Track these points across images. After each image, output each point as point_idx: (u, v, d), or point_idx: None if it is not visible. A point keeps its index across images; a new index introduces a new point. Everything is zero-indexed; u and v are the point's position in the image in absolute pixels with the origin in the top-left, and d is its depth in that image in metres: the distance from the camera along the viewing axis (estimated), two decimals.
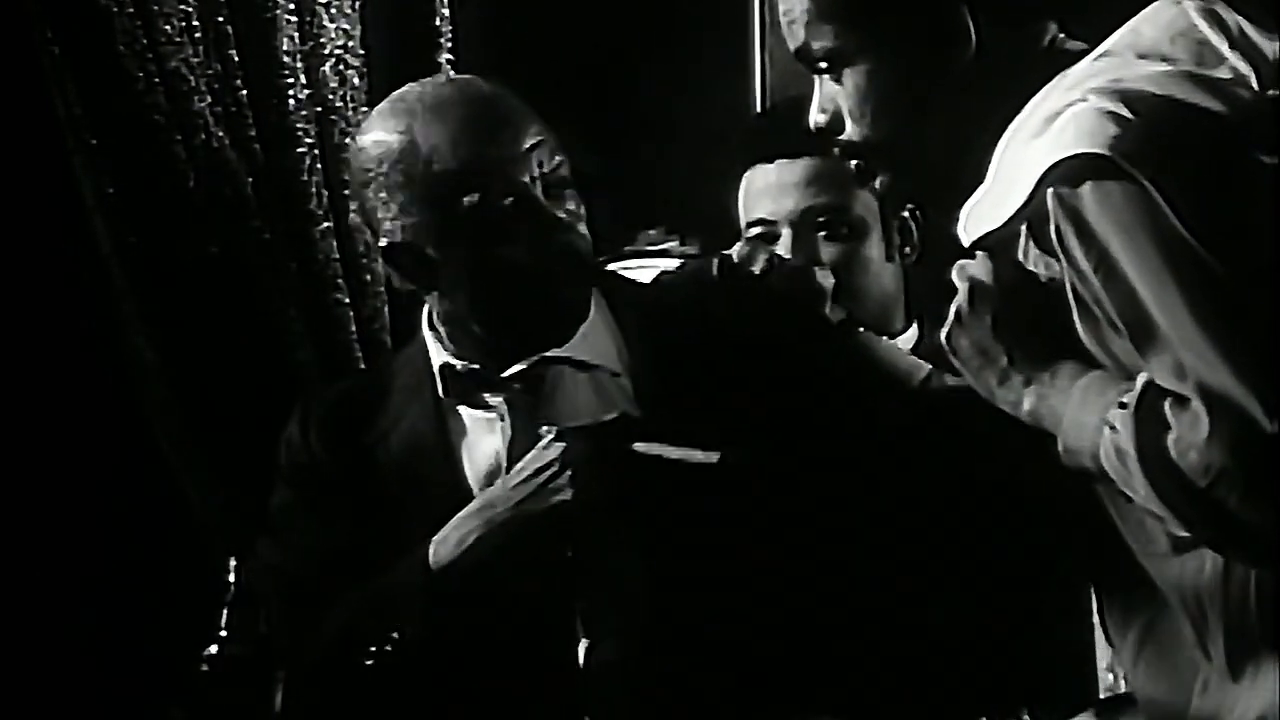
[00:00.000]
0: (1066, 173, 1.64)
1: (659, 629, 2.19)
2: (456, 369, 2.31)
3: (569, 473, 2.17)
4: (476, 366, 2.30)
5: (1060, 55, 1.82)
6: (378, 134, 2.26)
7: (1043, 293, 1.73)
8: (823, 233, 2.56)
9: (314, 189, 3.01)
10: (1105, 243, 1.62)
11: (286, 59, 3.00)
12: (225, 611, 1.99)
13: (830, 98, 1.88)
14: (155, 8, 2.91)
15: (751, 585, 2.20)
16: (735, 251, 2.22)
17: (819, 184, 2.55)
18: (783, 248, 2.52)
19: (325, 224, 3.01)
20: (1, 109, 2.93)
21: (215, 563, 2.05)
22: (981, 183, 1.76)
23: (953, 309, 1.81)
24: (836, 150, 1.90)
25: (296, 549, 2.31)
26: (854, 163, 1.89)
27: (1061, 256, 1.67)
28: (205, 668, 1.98)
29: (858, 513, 2.21)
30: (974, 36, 1.82)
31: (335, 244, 3.02)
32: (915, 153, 1.86)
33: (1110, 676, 2.38)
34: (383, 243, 2.28)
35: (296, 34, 3.02)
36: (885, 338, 2.35)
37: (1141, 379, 1.63)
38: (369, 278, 3.04)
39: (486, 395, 2.30)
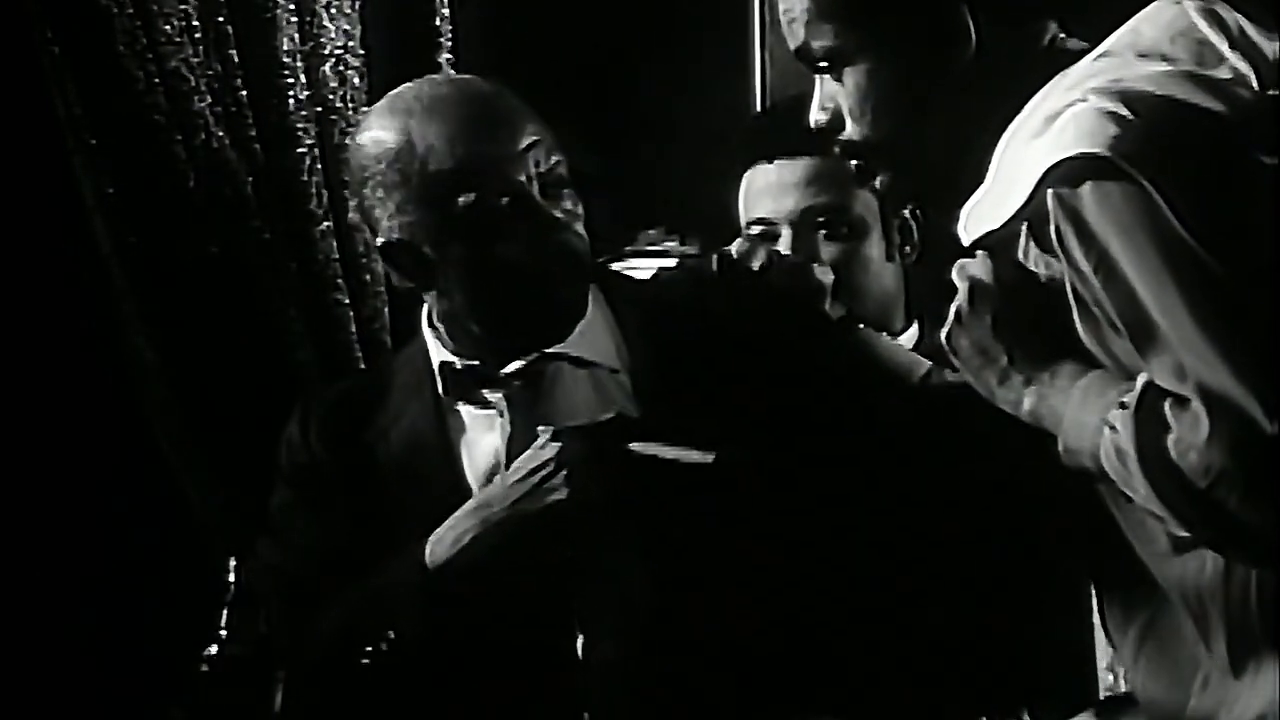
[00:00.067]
0: (1066, 173, 1.64)
1: (658, 628, 2.19)
2: (456, 366, 2.31)
3: (565, 472, 2.17)
4: (476, 364, 2.30)
5: (1060, 54, 1.82)
6: (375, 132, 2.26)
7: (1043, 292, 1.73)
8: (823, 232, 2.56)
9: (314, 189, 3.01)
10: (1105, 243, 1.62)
11: (286, 59, 3.00)
12: (225, 611, 1.99)
13: (830, 97, 1.88)
14: (155, 8, 2.91)
15: (750, 584, 2.20)
16: (734, 248, 2.22)
17: (819, 183, 2.55)
18: (783, 247, 2.52)
19: (325, 224, 3.01)
20: (1, 109, 2.93)
21: (215, 563, 2.05)
22: (981, 182, 1.76)
23: (953, 309, 1.81)
24: (837, 149, 1.90)
25: (296, 549, 2.32)
26: (854, 162, 1.89)
27: (1061, 257, 1.67)
28: (205, 668, 1.98)
29: (857, 510, 2.21)
30: (974, 35, 1.82)
31: (335, 244, 3.02)
32: (915, 152, 1.86)
33: (1110, 676, 2.38)
34: (380, 241, 2.29)
35: (296, 34, 3.02)
36: (885, 334, 2.36)
37: (1141, 379, 1.63)
38: (369, 278, 3.04)
39: (485, 392, 2.30)
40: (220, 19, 2.97)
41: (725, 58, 3.37)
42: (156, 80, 2.91)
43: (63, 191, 2.94)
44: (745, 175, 2.61)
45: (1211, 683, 1.74)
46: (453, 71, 3.03)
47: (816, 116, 1.90)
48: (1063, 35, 1.86)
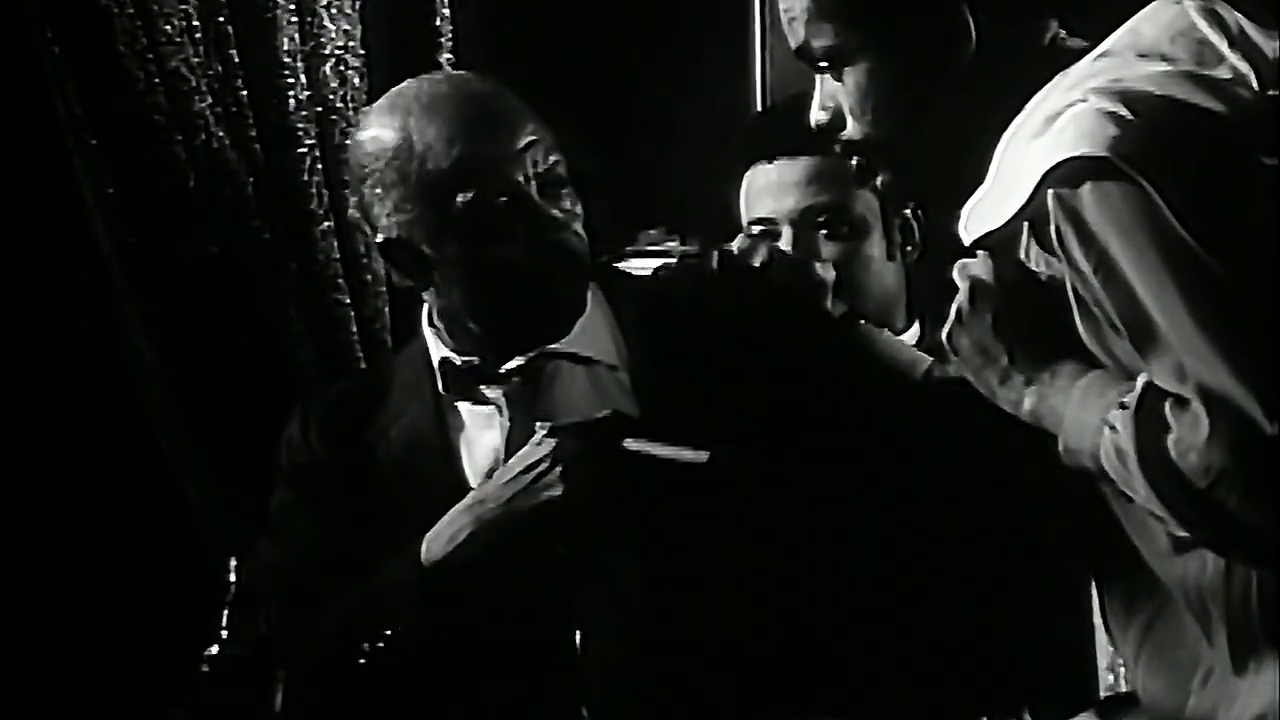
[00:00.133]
0: (1066, 174, 1.64)
1: (655, 626, 2.19)
2: (456, 364, 2.31)
3: (560, 469, 2.17)
4: (476, 361, 2.30)
5: (1061, 53, 1.81)
6: (374, 130, 2.27)
7: (1044, 292, 1.73)
8: (823, 231, 2.56)
9: (314, 189, 3.01)
10: (1105, 244, 1.62)
11: (287, 59, 3.00)
12: (225, 611, 1.98)
13: (831, 95, 1.88)
14: (155, 8, 2.91)
15: (749, 583, 2.20)
16: (735, 245, 2.22)
17: (819, 183, 2.55)
18: (783, 246, 2.52)
19: (325, 224, 3.01)
20: (1, 109, 2.93)
21: (215, 563, 2.05)
22: (982, 181, 1.76)
23: (953, 308, 1.81)
24: (837, 148, 1.90)
25: (296, 549, 2.32)
26: (855, 160, 1.89)
27: (1062, 257, 1.67)
28: (205, 668, 1.98)
29: (857, 509, 2.20)
30: (974, 34, 1.82)
31: (335, 244, 3.02)
32: (916, 151, 1.86)
33: (1110, 676, 2.38)
34: (379, 239, 2.29)
35: (297, 34, 3.02)
36: (886, 331, 2.36)
37: (1141, 379, 1.63)
38: (369, 278, 3.04)
39: (485, 389, 2.30)
40: (220, 19, 2.97)
41: (725, 58, 3.37)
42: (156, 80, 2.91)
43: (63, 191, 2.94)
44: (746, 175, 2.61)
45: (1212, 679, 1.74)
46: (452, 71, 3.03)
47: (817, 115, 1.90)
48: (1063, 34, 1.86)
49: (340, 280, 3.02)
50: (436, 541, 2.21)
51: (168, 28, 2.91)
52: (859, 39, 1.84)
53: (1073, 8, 1.87)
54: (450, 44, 3.11)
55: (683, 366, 2.24)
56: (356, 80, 3.06)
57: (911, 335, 2.59)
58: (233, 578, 2.00)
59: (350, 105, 3.03)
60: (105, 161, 2.91)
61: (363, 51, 3.07)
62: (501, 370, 2.29)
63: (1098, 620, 2.26)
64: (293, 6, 3.01)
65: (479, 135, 2.22)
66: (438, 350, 2.33)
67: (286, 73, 3.00)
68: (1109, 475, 1.65)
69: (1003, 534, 2.19)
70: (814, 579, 2.22)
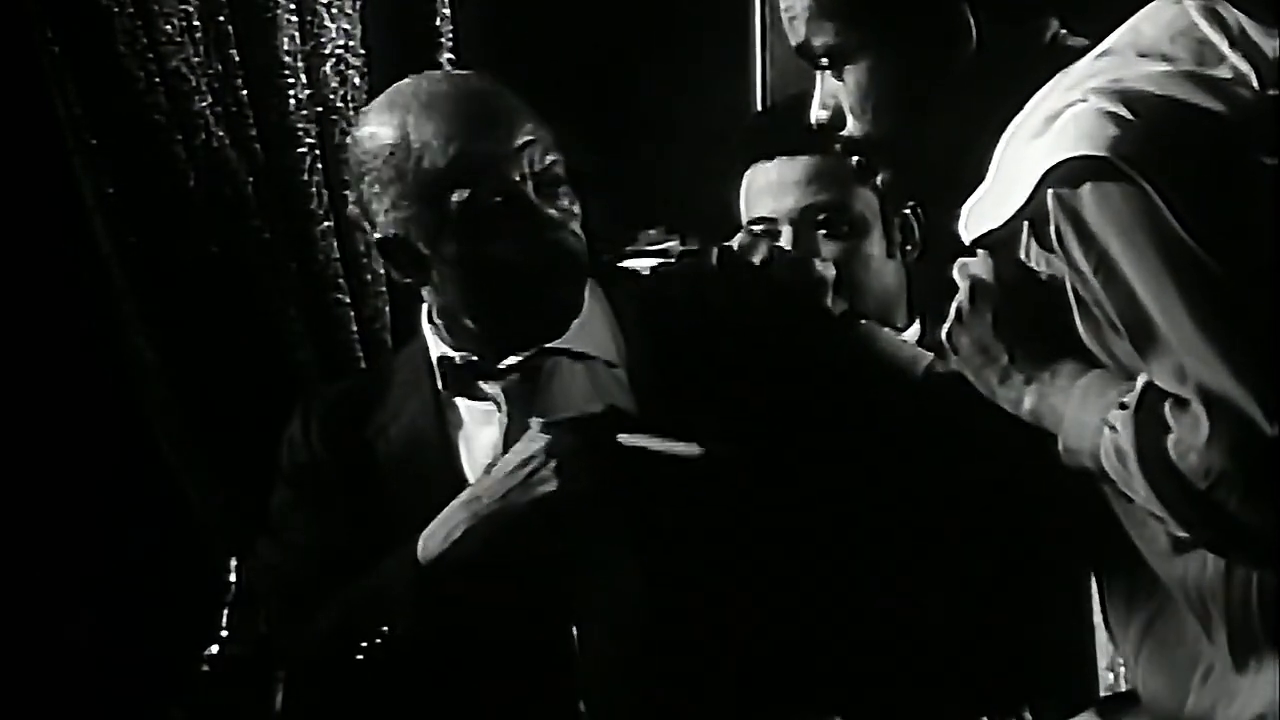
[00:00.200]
0: (1066, 174, 1.64)
1: (653, 621, 2.19)
2: (455, 361, 2.31)
3: (555, 464, 2.17)
4: (475, 358, 2.30)
5: (1062, 52, 1.81)
6: (373, 127, 2.27)
7: (1044, 291, 1.73)
8: (823, 230, 2.56)
9: (314, 188, 3.01)
10: (1105, 244, 1.62)
11: (287, 59, 3.00)
12: (225, 611, 1.98)
13: (832, 94, 1.88)
14: (155, 8, 2.91)
15: (747, 580, 2.20)
16: (735, 242, 2.22)
17: (819, 182, 2.55)
18: (784, 245, 2.52)
19: (325, 224, 3.01)
20: (1, 109, 2.93)
21: (215, 563, 2.05)
22: (982, 180, 1.76)
23: (953, 307, 1.81)
24: (838, 146, 1.90)
25: (296, 548, 2.32)
26: (855, 159, 1.89)
27: (1062, 257, 1.67)
28: (205, 668, 1.97)
29: (858, 506, 2.20)
30: (975, 33, 1.81)
31: (335, 244, 3.02)
32: (916, 149, 1.86)
33: (1110, 676, 2.38)
34: (376, 236, 2.30)
35: (297, 34, 3.02)
36: (887, 329, 2.36)
37: (1141, 379, 1.63)
38: (369, 277, 3.04)
39: (484, 386, 2.30)
40: (221, 19, 2.97)
41: (725, 57, 3.37)
42: (156, 80, 2.91)
43: (63, 191, 2.94)
44: (746, 174, 2.61)
45: (1213, 676, 1.74)
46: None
47: (818, 114, 1.90)
48: (1064, 32, 1.86)
49: (340, 280, 3.02)
50: (433, 539, 2.21)
51: (168, 27, 2.92)
52: (859, 37, 1.84)
53: (1073, 6, 1.87)
54: (450, 44, 3.11)
55: (682, 364, 2.24)
56: (356, 80, 3.06)
57: (912, 334, 2.59)
58: (233, 578, 2.00)
59: (350, 105, 3.03)
60: (105, 161, 2.92)
61: (363, 51, 3.07)
62: (500, 367, 2.29)
63: (1098, 620, 2.26)
64: (293, 6, 3.01)
65: (476, 134, 2.22)
66: (437, 348, 2.33)
67: (286, 72, 3.00)
68: (1109, 475, 1.65)
69: (1003, 533, 2.19)
70: (813, 577, 2.22)
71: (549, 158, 2.25)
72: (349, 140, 2.37)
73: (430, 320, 2.35)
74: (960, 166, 1.79)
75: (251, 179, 2.98)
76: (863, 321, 2.26)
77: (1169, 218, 1.59)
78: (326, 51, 3.04)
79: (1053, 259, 1.70)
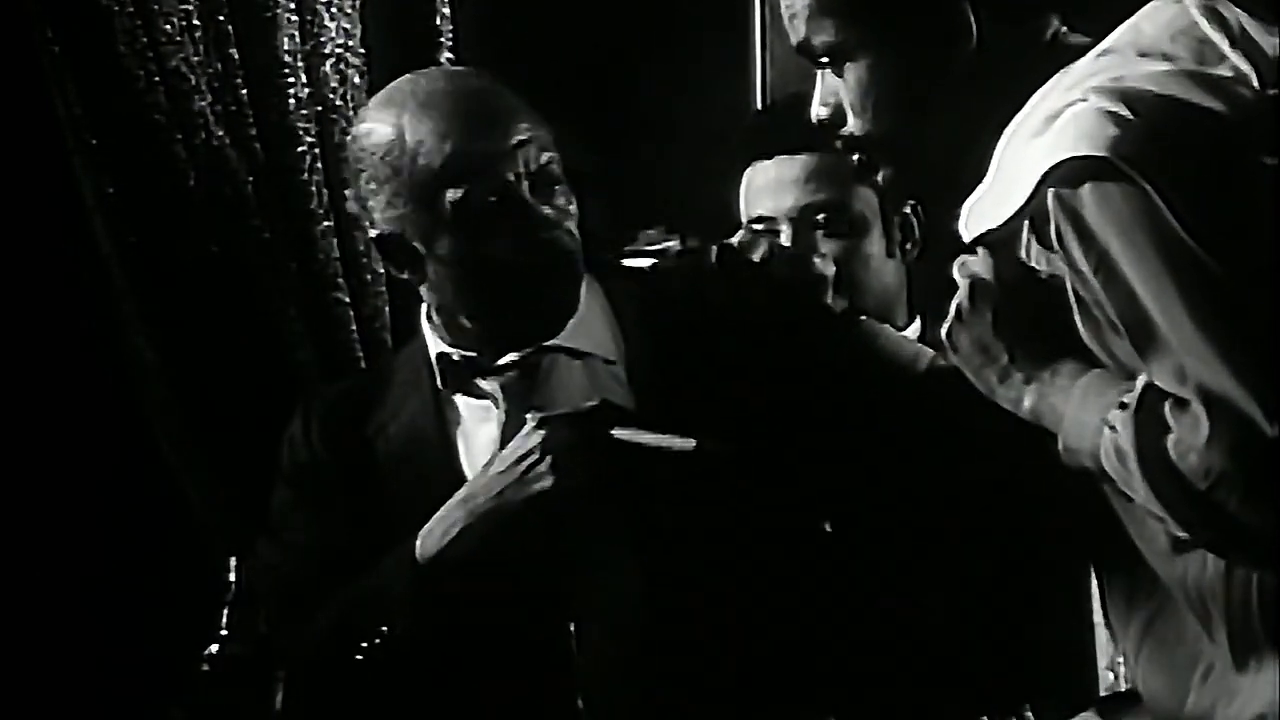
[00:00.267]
0: (1066, 174, 1.63)
1: (651, 618, 2.18)
2: (453, 358, 2.31)
3: (550, 460, 2.17)
4: (474, 355, 2.30)
5: (1062, 50, 1.81)
6: (370, 124, 2.28)
7: (1044, 290, 1.73)
8: (823, 229, 2.56)
9: (314, 188, 3.01)
10: (1105, 244, 1.62)
11: (287, 58, 3.00)
12: (225, 611, 1.98)
13: (832, 91, 1.88)
14: (155, 7, 2.91)
15: (746, 579, 2.19)
16: (735, 240, 2.22)
17: (818, 181, 2.55)
18: (783, 244, 2.52)
19: (325, 223, 3.02)
20: (1, 109, 2.93)
21: (215, 563, 2.05)
22: (983, 178, 1.76)
23: (953, 306, 1.81)
24: (838, 144, 1.90)
25: (296, 548, 2.32)
26: (856, 157, 1.89)
27: (1062, 257, 1.67)
28: (205, 668, 1.97)
29: (857, 505, 2.20)
30: (975, 31, 1.81)
31: (335, 243, 3.02)
32: (917, 147, 1.86)
33: (1110, 675, 2.38)
34: (373, 233, 2.30)
35: (297, 33, 3.02)
36: (888, 327, 2.35)
37: (1141, 379, 1.63)
38: (369, 277, 3.04)
39: (482, 383, 2.30)
40: (220, 18, 2.97)
41: (725, 56, 3.37)
42: (156, 79, 2.91)
43: (63, 191, 2.94)
44: (745, 173, 2.62)
45: (1213, 675, 1.74)
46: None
47: (818, 111, 1.89)
48: (1065, 30, 1.85)
49: (340, 280, 3.02)
50: (430, 537, 2.21)
51: (167, 27, 2.92)
52: (860, 35, 1.83)
53: (1074, 5, 1.86)
54: (450, 43, 3.11)
55: (681, 361, 2.24)
56: (356, 79, 3.06)
57: (912, 332, 2.59)
58: (233, 577, 2.00)
59: (350, 104, 3.03)
60: (105, 161, 2.92)
61: (362, 50, 3.07)
62: (498, 364, 2.29)
63: (1098, 620, 2.26)
64: (292, 5, 3.01)
65: (471, 132, 2.22)
66: (435, 345, 2.33)
67: (286, 72, 3.00)
68: (1109, 475, 1.65)
69: (1002, 533, 2.19)
70: (812, 576, 2.22)
71: (545, 156, 2.24)
72: (348, 137, 2.37)
73: (429, 318, 2.36)
74: (961, 164, 1.78)
75: (251, 178, 2.98)
76: (863, 319, 2.26)
77: (1169, 218, 1.59)
78: (326, 51, 3.04)
79: (1053, 258, 1.70)
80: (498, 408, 2.29)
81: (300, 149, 3.00)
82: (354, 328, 3.03)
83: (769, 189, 2.58)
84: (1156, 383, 1.61)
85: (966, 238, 1.78)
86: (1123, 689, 2.18)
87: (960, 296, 1.80)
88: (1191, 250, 1.58)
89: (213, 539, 2.94)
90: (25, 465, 2.95)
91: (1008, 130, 1.74)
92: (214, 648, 1.98)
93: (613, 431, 2.16)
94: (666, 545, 2.19)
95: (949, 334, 1.81)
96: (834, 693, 2.22)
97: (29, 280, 2.97)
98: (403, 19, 3.11)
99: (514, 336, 2.28)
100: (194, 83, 2.94)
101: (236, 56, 2.98)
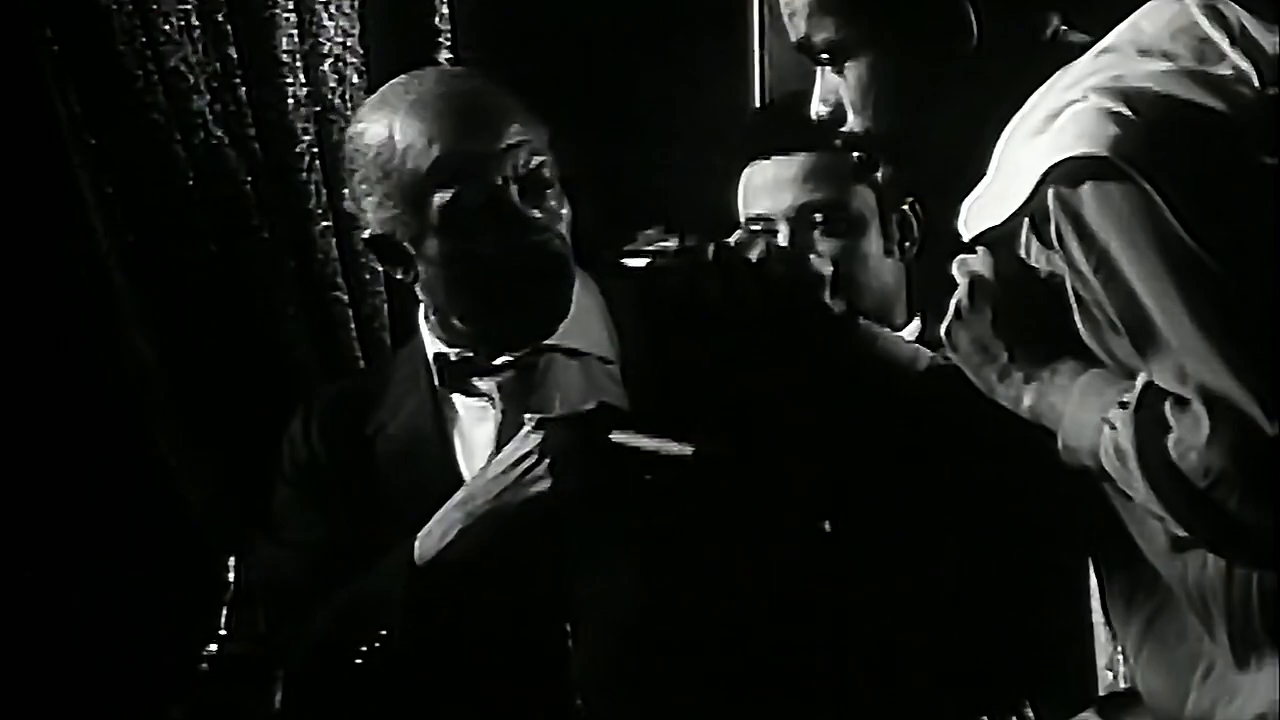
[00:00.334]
0: (1067, 173, 1.63)
1: (648, 620, 2.18)
2: (450, 358, 2.31)
3: (548, 462, 2.17)
4: (471, 354, 2.30)
5: (1063, 48, 1.81)
6: (363, 125, 2.28)
7: (1044, 289, 1.73)
8: (820, 228, 2.56)
9: (313, 187, 3.01)
10: (1105, 244, 1.62)
11: (286, 58, 3.00)
12: (225, 611, 1.98)
13: (832, 89, 1.87)
14: (155, 7, 2.91)
15: (744, 579, 2.19)
16: (732, 239, 2.22)
17: (816, 179, 2.55)
18: (781, 243, 2.52)
19: (324, 223, 3.02)
20: (1, 109, 2.93)
21: (215, 563, 2.05)
22: (983, 176, 1.76)
23: (953, 304, 1.81)
24: (838, 142, 1.89)
25: (296, 547, 2.32)
26: (855, 154, 1.89)
27: (1062, 256, 1.67)
28: (205, 667, 1.98)
29: (856, 504, 2.20)
30: (975, 29, 1.81)
31: (334, 243, 3.02)
32: (917, 145, 1.85)
33: (1110, 675, 2.38)
34: (365, 234, 2.30)
35: (296, 33, 3.02)
36: (886, 329, 2.35)
37: (1141, 379, 1.63)
38: (367, 276, 3.04)
39: (479, 383, 2.30)
40: (219, 17, 2.97)
41: (724, 55, 3.37)
42: (156, 79, 2.91)
43: (63, 191, 2.94)
44: (744, 172, 2.61)
45: (1213, 674, 1.74)
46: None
47: (818, 109, 1.89)
48: (1065, 29, 1.85)
49: (340, 279, 3.02)
50: (428, 539, 2.21)
51: (167, 26, 2.92)
52: (860, 33, 1.83)
53: (1074, 3, 1.86)
54: (449, 43, 3.11)
55: (677, 360, 2.24)
56: (355, 78, 3.06)
57: (911, 331, 2.59)
58: (232, 577, 2.00)
59: (349, 103, 3.03)
60: (104, 160, 2.92)
61: (361, 50, 3.07)
62: (495, 363, 2.29)
63: (1098, 619, 2.26)
64: (291, 5, 3.01)
65: (461, 135, 2.22)
66: (433, 345, 2.34)
67: (285, 71, 3.00)
68: (1108, 474, 1.65)
69: (1002, 531, 2.19)
70: (811, 576, 2.22)
71: (536, 159, 2.24)
72: (345, 136, 2.37)
73: (426, 318, 2.36)
74: (961, 162, 1.78)
75: (250, 178, 2.98)
76: (861, 321, 2.26)
77: (1169, 217, 1.59)
78: (325, 50, 3.04)
79: (1053, 257, 1.70)
80: (494, 407, 2.29)
81: (299, 148, 3.00)
82: (353, 327, 3.03)
83: (767, 188, 2.58)
84: (1157, 382, 1.61)
85: (966, 236, 1.78)
86: (1123, 688, 2.18)
87: (960, 295, 1.80)
88: (1191, 250, 1.58)
89: (213, 539, 2.93)
90: (25, 465, 2.95)
91: (1008, 128, 1.74)
92: (213, 647, 1.98)
93: (611, 435, 2.16)
94: (664, 547, 2.19)
95: (948, 332, 1.81)
96: (834, 692, 2.22)
97: (28, 280, 2.96)
98: (401, 18, 3.11)
99: (505, 338, 2.28)
100: (193, 82, 2.94)
101: (235, 56, 2.98)
